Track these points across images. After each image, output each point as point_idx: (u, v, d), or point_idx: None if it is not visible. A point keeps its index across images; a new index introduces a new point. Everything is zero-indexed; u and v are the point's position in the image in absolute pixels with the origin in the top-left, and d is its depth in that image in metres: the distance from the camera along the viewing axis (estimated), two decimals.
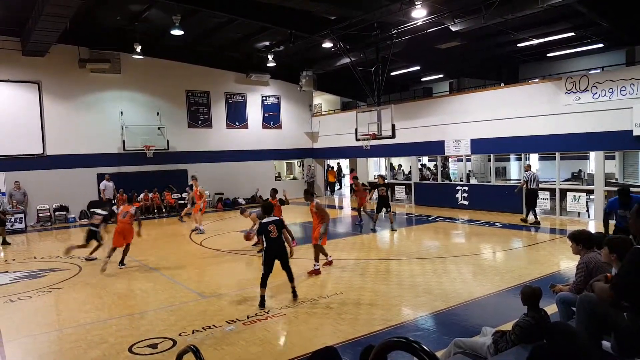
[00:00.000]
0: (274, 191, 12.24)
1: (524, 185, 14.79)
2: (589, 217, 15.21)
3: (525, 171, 15.40)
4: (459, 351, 4.61)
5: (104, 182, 18.71)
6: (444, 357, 4.73)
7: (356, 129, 18.29)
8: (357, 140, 18.59)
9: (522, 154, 17.41)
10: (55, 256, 12.23)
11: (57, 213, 18.90)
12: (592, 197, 15.14)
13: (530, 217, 14.75)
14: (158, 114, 21.04)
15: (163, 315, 7.26)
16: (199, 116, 22.52)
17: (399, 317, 6.91)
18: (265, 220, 7.65)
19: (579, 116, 14.79)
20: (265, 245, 7.58)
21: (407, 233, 14.45)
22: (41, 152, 18.68)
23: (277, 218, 7.94)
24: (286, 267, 7.63)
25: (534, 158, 21.90)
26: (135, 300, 8.15)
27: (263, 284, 7.41)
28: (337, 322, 6.67)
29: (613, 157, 17.11)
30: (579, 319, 3.77)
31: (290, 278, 7.71)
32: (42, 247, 14.27)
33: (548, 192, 16.15)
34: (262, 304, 7.38)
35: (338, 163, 30.77)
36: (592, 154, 16.49)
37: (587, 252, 5.03)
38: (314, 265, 9.58)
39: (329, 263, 10.11)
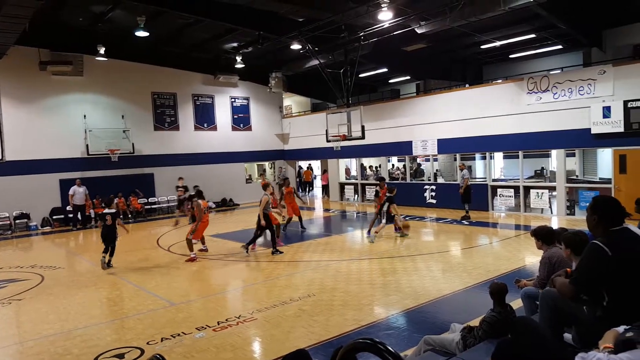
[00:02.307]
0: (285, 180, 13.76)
1: (465, 183, 15.51)
2: (551, 213, 15.66)
3: (461, 170, 15.93)
4: (429, 348, 4.68)
5: (74, 187, 18.02)
6: (414, 355, 4.79)
7: (326, 130, 18.35)
8: (327, 141, 18.66)
9: (487, 153, 17.79)
10: (16, 266, 11.83)
11: (17, 221, 18.27)
12: (554, 193, 15.59)
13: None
14: (123, 117, 20.60)
15: (130, 323, 7.11)
16: (165, 118, 22.14)
17: (370, 316, 6.96)
18: (106, 210, 11.01)
19: (540, 115, 15.23)
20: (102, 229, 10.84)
21: (378, 232, 14.54)
22: (0, 157, 18.04)
23: (115, 210, 11.18)
24: (112, 247, 10.81)
25: (498, 157, 22.40)
26: (101, 309, 7.96)
27: (104, 252, 10.73)
28: (309, 324, 6.67)
29: (573, 155, 17.64)
30: (542, 313, 3.87)
31: (112, 254, 10.89)
32: (1, 257, 13.76)
33: (512, 190, 16.56)
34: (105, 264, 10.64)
35: (309, 164, 30.80)
36: (554, 152, 16.99)
37: (550, 248, 5.17)
38: (191, 254, 11.34)
39: (192, 259, 11.25)
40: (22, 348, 6.37)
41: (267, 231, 12.22)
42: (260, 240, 12.68)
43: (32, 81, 18.61)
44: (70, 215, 18.65)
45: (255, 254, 11.90)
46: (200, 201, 11.81)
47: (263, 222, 11.48)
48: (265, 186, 12.18)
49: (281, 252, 11.66)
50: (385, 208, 13.06)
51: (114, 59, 19.33)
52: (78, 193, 18.03)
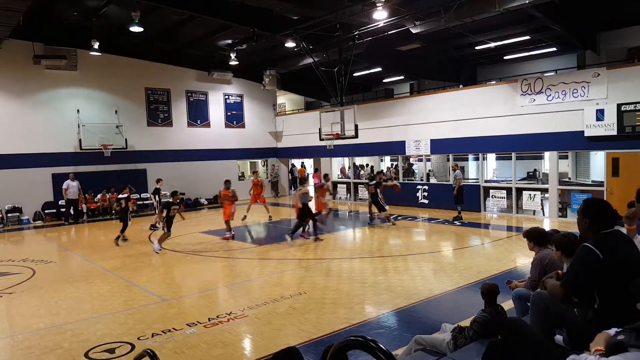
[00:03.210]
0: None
1: (458, 184, 15.53)
2: (543, 214, 15.74)
3: (454, 170, 15.91)
4: (420, 348, 4.69)
5: (68, 181, 17.87)
6: (405, 354, 4.80)
7: (320, 129, 18.35)
8: (320, 140, 18.65)
9: (480, 154, 17.86)
10: (7, 259, 11.75)
11: (9, 214, 18.15)
12: (546, 195, 15.68)
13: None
14: (116, 112, 20.49)
15: (121, 318, 7.08)
16: (158, 114, 22.05)
17: (361, 315, 6.97)
18: (119, 195, 13.63)
19: (534, 117, 15.30)
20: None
21: (370, 231, 14.60)
22: None
23: (126, 195, 13.61)
24: (124, 225, 13.19)
25: (491, 158, 22.51)
26: (92, 304, 7.92)
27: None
28: (300, 322, 6.67)
29: (566, 157, 17.74)
30: (533, 314, 3.89)
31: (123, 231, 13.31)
32: None
33: (505, 191, 16.64)
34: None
35: (302, 163, 30.79)
36: (547, 154, 17.07)
37: (541, 249, 5.19)
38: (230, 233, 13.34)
39: (229, 237, 13.19)
40: (13, 341, 6.33)
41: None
42: (249, 236, 12.64)
43: (25, 75, 18.47)
44: (63, 210, 18.55)
45: (258, 249, 11.90)
46: (232, 189, 13.97)
47: (318, 210, 13.94)
48: (303, 179, 13.59)
49: (321, 240, 12.82)
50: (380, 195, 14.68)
51: (108, 54, 19.23)
52: (71, 187, 17.91)
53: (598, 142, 13.95)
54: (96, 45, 17.41)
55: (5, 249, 13.88)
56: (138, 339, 6.20)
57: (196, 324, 6.67)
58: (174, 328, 6.55)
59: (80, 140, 19.44)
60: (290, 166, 28.00)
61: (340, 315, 6.89)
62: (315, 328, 6.39)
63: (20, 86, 18.45)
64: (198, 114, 23.28)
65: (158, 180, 17.02)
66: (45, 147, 18.90)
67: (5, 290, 8.94)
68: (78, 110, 19.58)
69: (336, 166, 24.69)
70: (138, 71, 21.21)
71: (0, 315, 7.67)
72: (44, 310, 7.62)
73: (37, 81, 18.78)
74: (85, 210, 19.25)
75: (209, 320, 6.80)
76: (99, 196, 19.72)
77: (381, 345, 1.72)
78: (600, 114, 13.60)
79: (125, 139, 20.36)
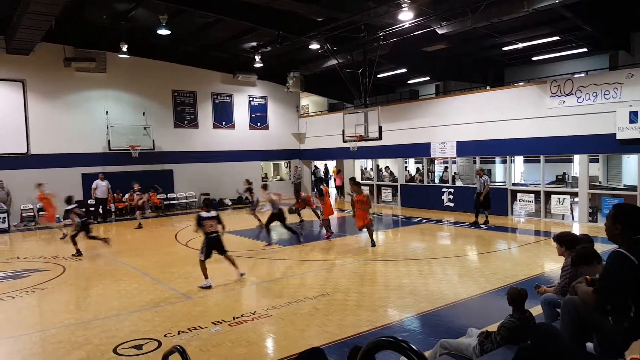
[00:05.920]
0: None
1: (487, 190, 15.16)
2: (573, 219, 15.40)
3: (480, 176, 15.46)
4: (445, 352, 4.63)
5: (97, 181, 18.29)
6: (430, 358, 4.75)
7: (343, 131, 18.33)
8: (344, 141, 18.63)
9: (507, 157, 17.57)
10: (39, 256, 12.06)
11: (41, 213, 18.60)
12: (576, 199, 15.33)
13: (481, 218, 15.46)
14: (144, 113, 20.87)
15: (148, 316, 7.20)
16: (185, 116, 22.37)
17: (385, 318, 6.93)
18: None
19: (563, 119, 14.97)
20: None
21: (393, 235, 14.52)
22: (25, 151, 18.42)
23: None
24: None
25: (519, 161, 22.12)
26: (120, 301, 8.06)
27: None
28: (323, 323, 6.67)
29: (597, 160, 17.30)
30: (563, 321, 3.80)
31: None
32: (25, 247, 14.07)
33: (533, 195, 16.32)
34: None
35: (325, 164, 30.81)
36: (577, 157, 16.69)
37: (572, 254, 5.08)
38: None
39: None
40: (44, 336, 6.50)
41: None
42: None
43: (56, 77, 18.97)
44: (92, 209, 18.95)
45: (281, 250, 11.97)
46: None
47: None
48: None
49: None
50: None
51: (136, 56, 19.60)
52: (100, 187, 18.30)
53: (631, 145, 13.55)
54: (125, 48, 17.76)
55: (36, 247, 14.27)
56: (165, 336, 6.29)
57: (221, 323, 6.73)
58: (199, 326, 6.62)
59: (109, 141, 19.86)
60: (313, 168, 28.04)
61: (364, 317, 6.86)
62: (339, 330, 6.38)
63: (52, 88, 18.95)
64: (223, 116, 23.53)
65: (246, 181, 17.94)
66: (75, 148, 19.37)
67: (37, 286, 9.18)
68: (107, 112, 20.02)
69: (359, 168, 24.61)
70: (165, 73, 21.56)
71: (32, 310, 7.89)
72: (73, 306, 7.82)
73: (67, 83, 19.26)
74: (113, 210, 19.64)
75: (234, 319, 6.85)
76: (126, 196, 20.07)
77: (413, 346, 1.70)
78: (634, 116, 13.21)
79: (153, 140, 20.71)
